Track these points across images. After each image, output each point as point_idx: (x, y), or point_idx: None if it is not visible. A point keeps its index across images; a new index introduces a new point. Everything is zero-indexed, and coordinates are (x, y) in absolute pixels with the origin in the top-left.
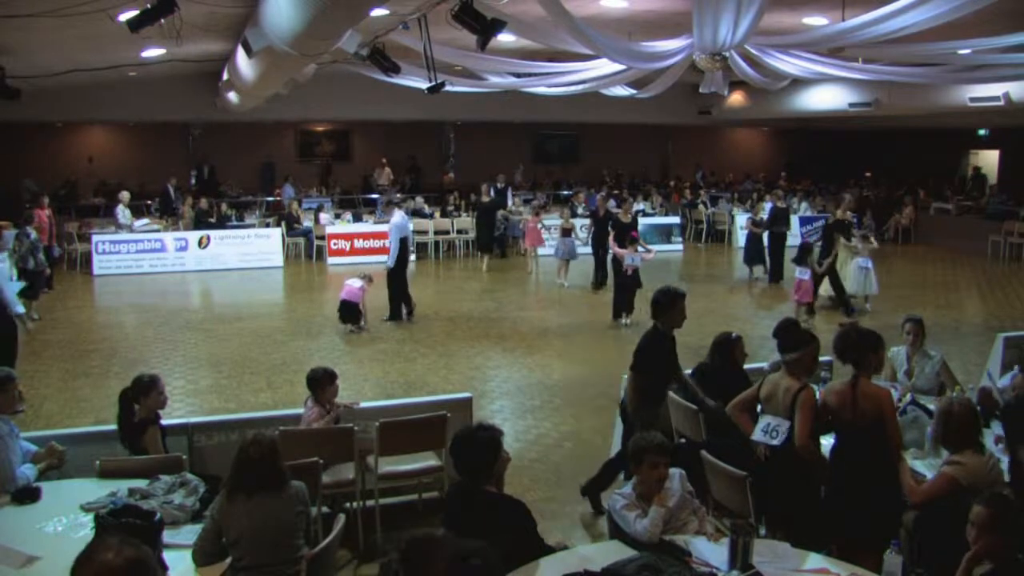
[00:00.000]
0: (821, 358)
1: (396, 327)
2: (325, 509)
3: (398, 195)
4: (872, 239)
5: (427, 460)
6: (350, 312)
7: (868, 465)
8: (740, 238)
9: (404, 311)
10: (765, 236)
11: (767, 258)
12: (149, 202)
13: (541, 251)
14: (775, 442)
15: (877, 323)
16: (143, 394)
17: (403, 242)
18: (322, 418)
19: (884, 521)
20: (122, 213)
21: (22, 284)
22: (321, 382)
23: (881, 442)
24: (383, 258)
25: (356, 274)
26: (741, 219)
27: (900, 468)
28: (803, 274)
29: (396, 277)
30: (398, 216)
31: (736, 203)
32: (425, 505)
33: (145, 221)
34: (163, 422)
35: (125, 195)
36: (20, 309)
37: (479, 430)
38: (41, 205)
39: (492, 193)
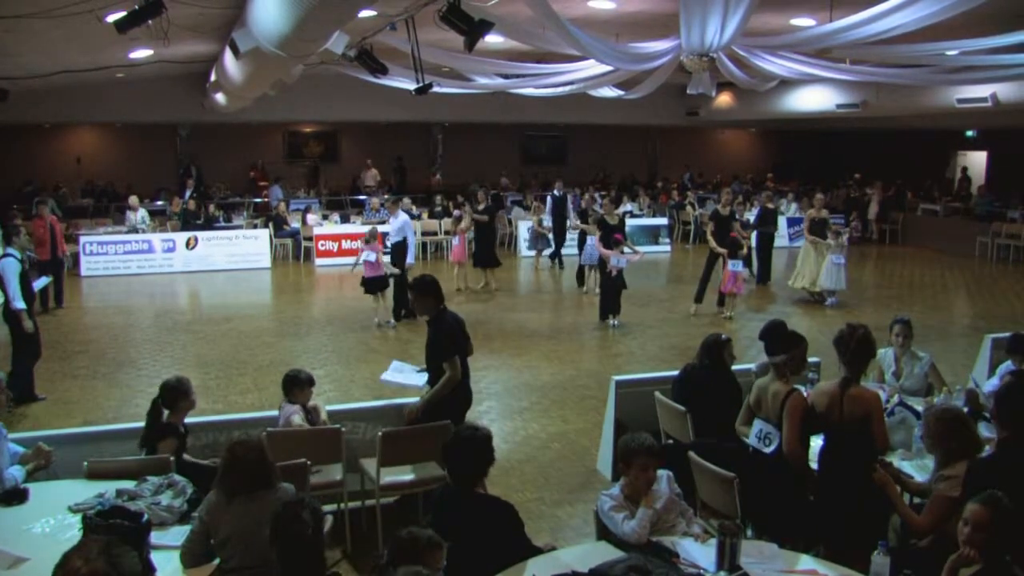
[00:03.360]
0: (809, 358)
1: (384, 328)
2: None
3: (386, 196)
4: (843, 236)
5: (429, 470)
6: (378, 284)
7: (855, 466)
8: None
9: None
10: (753, 237)
11: (754, 259)
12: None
13: (527, 252)
14: (768, 450)
15: (864, 322)
16: (179, 399)
17: (406, 241)
18: (303, 417)
19: (872, 522)
20: (139, 218)
21: (47, 279)
22: (298, 383)
23: (868, 444)
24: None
25: (365, 244)
26: None
27: (897, 505)
28: (735, 266)
29: (405, 274)
30: (404, 215)
31: None
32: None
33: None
34: None
35: (135, 199)
36: (20, 305)
37: (475, 432)
38: (40, 215)
39: (548, 202)
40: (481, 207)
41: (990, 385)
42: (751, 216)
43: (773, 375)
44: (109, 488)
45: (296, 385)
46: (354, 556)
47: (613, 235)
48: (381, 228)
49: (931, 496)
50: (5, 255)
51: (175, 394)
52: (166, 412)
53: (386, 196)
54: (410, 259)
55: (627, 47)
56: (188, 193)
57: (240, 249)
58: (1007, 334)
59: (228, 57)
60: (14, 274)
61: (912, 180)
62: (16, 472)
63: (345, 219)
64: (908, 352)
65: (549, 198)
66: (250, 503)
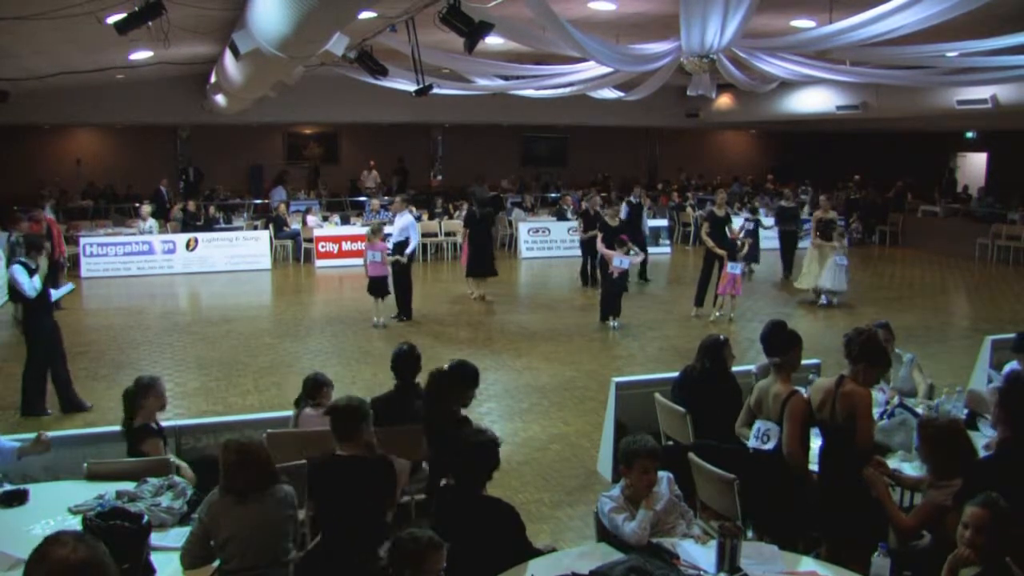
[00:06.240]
0: (809, 360)
1: (388, 329)
2: None
3: (385, 197)
4: (844, 238)
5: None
6: (381, 287)
7: (848, 464)
8: None
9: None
10: (775, 235)
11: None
12: (137, 204)
13: (527, 253)
14: (766, 446)
15: (860, 324)
16: (142, 396)
17: (408, 241)
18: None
19: (871, 523)
20: (147, 227)
21: (70, 287)
22: (326, 384)
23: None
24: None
25: (373, 236)
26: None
27: (885, 502)
28: (734, 269)
29: (407, 276)
30: (410, 216)
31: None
32: (417, 506)
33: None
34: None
35: (147, 209)
36: (36, 288)
37: (482, 435)
38: (35, 218)
39: (624, 209)
40: (478, 210)
41: (992, 386)
42: (765, 218)
43: (774, 376)
44: (109, 489)
45: (327, 386)
46: None
47: (617, 236)
48: (385, 228)
49: (922, 500)
50: (15, 261)
51: (146, 392)
52: (139, 408)
53: (386, 197)
54: (410, 248)
55: (627, 48)
56: (164, 193)
57: (240, 250)
58: (1007, 335)
59: (228, 58)
60: (22, 271)
61: (911, 181)
62: (6, 442)
63: (345, 220)
64: (893, 355)
65: (625, 205)
66: (250, 504)
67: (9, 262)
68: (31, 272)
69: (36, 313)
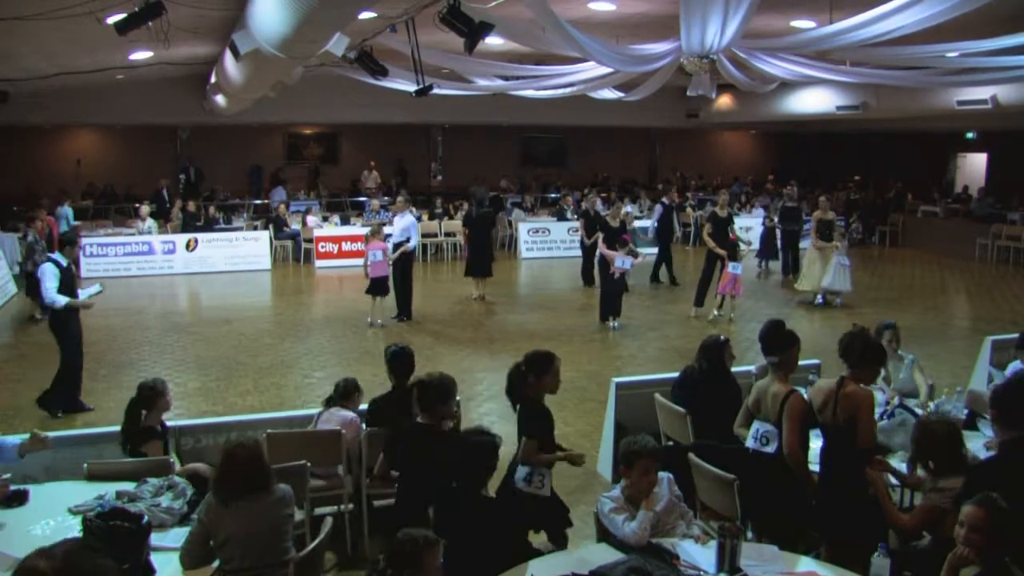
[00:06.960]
0: (808, 360)
1: (386, 329)
2: (325, 510)
3: (386, 198)
4: (845, 238)
5: None
6: (381, 286)
7: (851, 466)
8: None
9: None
10: (778, 234)
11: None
12: (137, 204)
13: (527, 254)
14: (768, 449)
15: (863, 323)
16: (154, 400)
17: (408, 242)
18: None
19: (871, 523)
20: (146, 227)
21: (99, 288)
22: (359, 390)
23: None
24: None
25: (372, 236)
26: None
27: (884, 502)
28: (735, 269)
29: (407, 275)
30: (411, 217)
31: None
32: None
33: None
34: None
35: (145, 209)
36: (61, 301)
37: (482, 436)
38: (37, 217)
39: (657, 210)
40: (477, 210)
41: (993, 386)
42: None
43: (772, 376)
44: (109, 490)
45: (359, 392)
46: (353, 558)
47: (618, 237)
48: (385, 228)
49: (922, 502)
50: (46, 260)
51: (152, 395)
52: (144, 413)
53: (386, 198)
54: (410, 245)
55: (627, 49)
56: (165, 193)
57: (240, 251)
58: (1008, 335)
59: (228, 59)
60: (52, 275)
61: (911, 182)
62: (8, 439)
63: (345, 221)
64: (895, 355)
65: (659, 207)
66: (249, 505)
67: (27, 260)
68: (62, 273)
69: (63, 314)
